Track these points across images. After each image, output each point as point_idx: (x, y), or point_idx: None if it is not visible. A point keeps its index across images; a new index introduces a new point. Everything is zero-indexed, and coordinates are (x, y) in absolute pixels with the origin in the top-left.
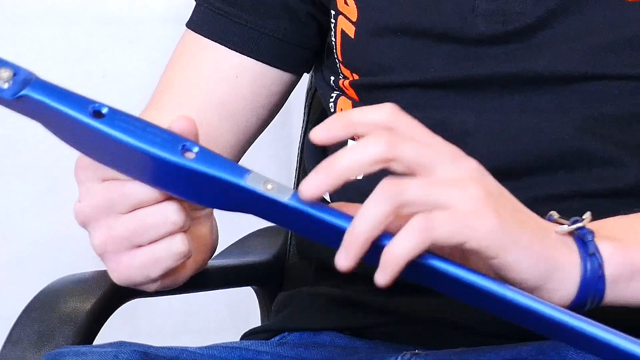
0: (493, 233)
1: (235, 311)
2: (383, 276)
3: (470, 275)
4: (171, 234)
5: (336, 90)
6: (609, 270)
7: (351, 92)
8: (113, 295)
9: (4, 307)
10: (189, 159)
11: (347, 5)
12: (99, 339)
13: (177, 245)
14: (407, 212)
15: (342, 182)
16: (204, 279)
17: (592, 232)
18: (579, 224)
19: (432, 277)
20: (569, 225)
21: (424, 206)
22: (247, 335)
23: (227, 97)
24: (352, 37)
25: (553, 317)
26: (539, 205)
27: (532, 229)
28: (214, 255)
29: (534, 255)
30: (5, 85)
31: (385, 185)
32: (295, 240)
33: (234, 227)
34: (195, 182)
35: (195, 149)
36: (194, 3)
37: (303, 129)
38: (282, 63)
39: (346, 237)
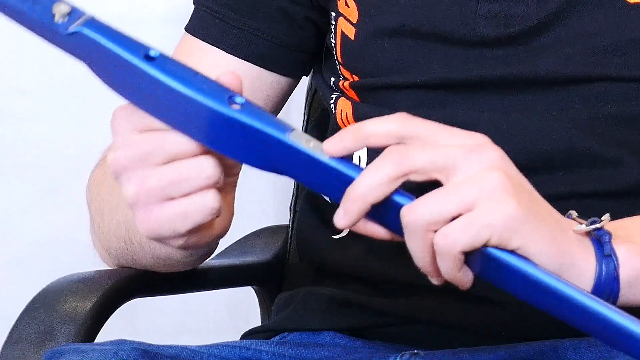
0: (513, 221)
1: (235, 311)
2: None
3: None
4: (205, 188)
5: (336, 92)
6: (625, 272)
7: (351, 94)
8: (114, 294)
9: (4, 307)
10: (235, 109)
11: (348, 6)
12: (99, 339)
13: (210, 200)
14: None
15: (367, 209)
16: (204, 279)
17: (609, 234)
18: (597, 225)
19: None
20: (587, 225)
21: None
22: (247, 335)
23: None
24: (353, 38)
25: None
26: None
27: (551, 222)
28: (214, 255)
29: (554, 247)
30: (61, 20)
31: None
32: (295, 240)
33: (234, 227)
34: (237, 135)
35: (241, 101)
36: (193, 6)
37: (303, 129)
38: (279, 67)
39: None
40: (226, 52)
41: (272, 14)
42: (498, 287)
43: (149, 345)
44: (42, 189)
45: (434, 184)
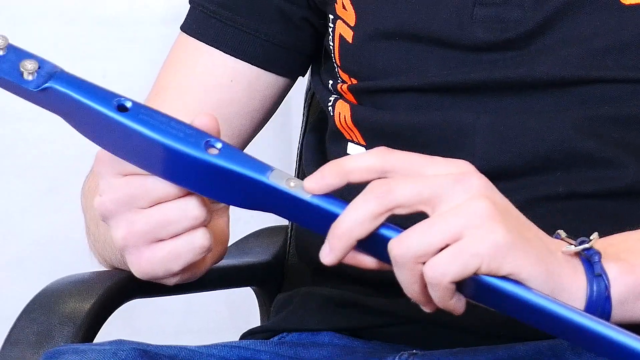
0: (501, 249)
1: (235, 311)
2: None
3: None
4: (192, 228)
5: (334, 94)
6: (616, 291)
7: (349, 96)
8: (112, 295)
9: (4, 307)
10: (213, 154)
11: (346, 9)
12: (99, 340)
13: (199, 239)
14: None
15: (353, 244)
16: (204, 279)
17: (599, 254)
18: (586, 245)
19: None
20: (575, 246)
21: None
22: (246, 335)
23: (221, 101)
24: (351, 41)
25: (565, 316)
26: (537, 206)
27: (540, 246)
28: None
29: (544, 272)
30: (30, 77)
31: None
32: (294, 241)
33: (233, 227)
34: (217, 179)
35: (219, 145)
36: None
37: (302, 130)
38: (276, 67)
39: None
40: (223, 52)
41: (269, 14)
42: (494, 309)
43: (148, 345)
44: (42, 189)
45: (422, 214)
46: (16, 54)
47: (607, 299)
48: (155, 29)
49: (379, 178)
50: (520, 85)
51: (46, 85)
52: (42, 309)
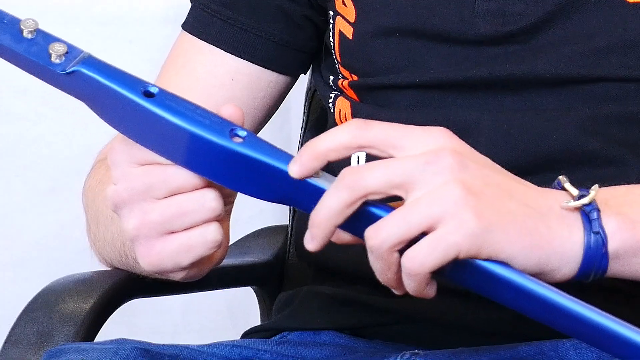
0: (477, 237)
1: (236, 311)
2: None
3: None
4: (207, 221)
5: (335, 91)
6: (613, 245)
7: (350, 93)
8: (113, 295)
9: (4, 307)
10: (237, 142)
11: (345, 6)
12: (99, 339)
13: (212, 233)
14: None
15: (332, 231)
16: (204, 279)
17: (597, 209)
18: (585, 200)
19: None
20: (575, 199)
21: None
22: (247, 334)
23: (223, 100)
24: (351, 38)
25: (557, 302)
26: None
27: (521, 218)
28: None
29: (526, 246)
30: (58, 60)
31: (345, 173)
32: (294, 241)
33: (234, 227)
34: (240, 168)
35: (243, 134)
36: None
37: (302, 129)
38: (278, 66)
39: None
40: (224, 50)
41: (271, 13)
42: (471, 290)
43: (150, 344)
44: (42, 189)
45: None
46: (45, 38)
47: (604, 255)
48: (155, 29)
49: (350, 167)
50: (523, 82)
51: (74, 68)
52: (42, 309)
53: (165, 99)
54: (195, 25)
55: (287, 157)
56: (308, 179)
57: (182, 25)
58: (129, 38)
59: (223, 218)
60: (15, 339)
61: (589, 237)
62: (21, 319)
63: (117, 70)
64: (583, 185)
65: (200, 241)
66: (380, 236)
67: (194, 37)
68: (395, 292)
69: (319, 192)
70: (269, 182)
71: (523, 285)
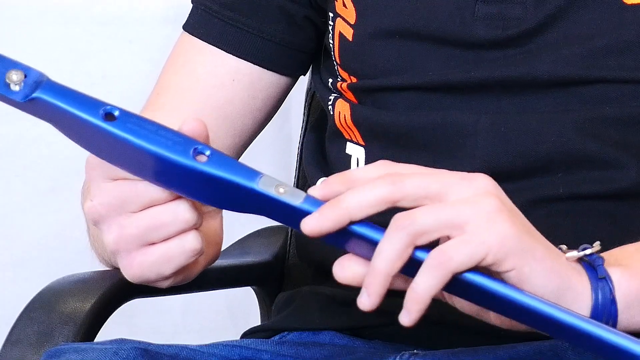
0: (508, 240)
1: (235, 311)
2: (408, 316)
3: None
4: (183, 231)
5: (334, 93)
6: (621, 294)
7: (349, 95)
8: (113, 295)
9: (4, 307)
10: (201, 162)
11: (346, 7)
12: (99, 339)
13: (190, 242)
14: (425, 240)
15: (346, 224)
16: (204, 279)
17: (601, 258)
18: (589, 250)
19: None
20: (578, 252)
21: (439, 231)
22: (247, 334)
23: (224, 100)
24: (351, 39)
25: (567, 321)
26: (538, 207)
27: (546, 245)
28: None
29: (548, 268)
30: (17, 88)
31: (397, 220)
32: (294, 241)
33: (234, 227)
34: (206, 185)
35: (207, 152)
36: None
37: (302, 130)
38: (278, 66)
39: (367, 279)
40: (225, 51)
41: (272, 13)
42: (480, 306)
43: (149, 344)
44: (42, 189)
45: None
46: (1, 64)
47: (613, 302)
48: (155, 29)
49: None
50: (521, 84)
51: (33, 95)
52: (42, 309)
53: (127, 121)
54: (196, 26)
55: (253, 174)
56: (274, 196)
57: (183, 26)
58: (129, 38)
59: (212, 215)
60: (15, 339)
61: (596, 285)
62: (21, 319)
63: (76, 93)
64: (581, 185)
65: (179, 251)
66: (410, 217)
67: (195, 38)
68: (365, 302)
69: (286, 206)
70: (237, 197)
71: (533, 306)
